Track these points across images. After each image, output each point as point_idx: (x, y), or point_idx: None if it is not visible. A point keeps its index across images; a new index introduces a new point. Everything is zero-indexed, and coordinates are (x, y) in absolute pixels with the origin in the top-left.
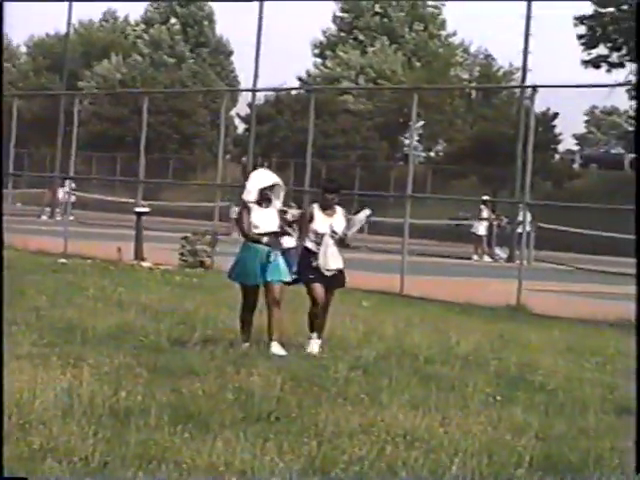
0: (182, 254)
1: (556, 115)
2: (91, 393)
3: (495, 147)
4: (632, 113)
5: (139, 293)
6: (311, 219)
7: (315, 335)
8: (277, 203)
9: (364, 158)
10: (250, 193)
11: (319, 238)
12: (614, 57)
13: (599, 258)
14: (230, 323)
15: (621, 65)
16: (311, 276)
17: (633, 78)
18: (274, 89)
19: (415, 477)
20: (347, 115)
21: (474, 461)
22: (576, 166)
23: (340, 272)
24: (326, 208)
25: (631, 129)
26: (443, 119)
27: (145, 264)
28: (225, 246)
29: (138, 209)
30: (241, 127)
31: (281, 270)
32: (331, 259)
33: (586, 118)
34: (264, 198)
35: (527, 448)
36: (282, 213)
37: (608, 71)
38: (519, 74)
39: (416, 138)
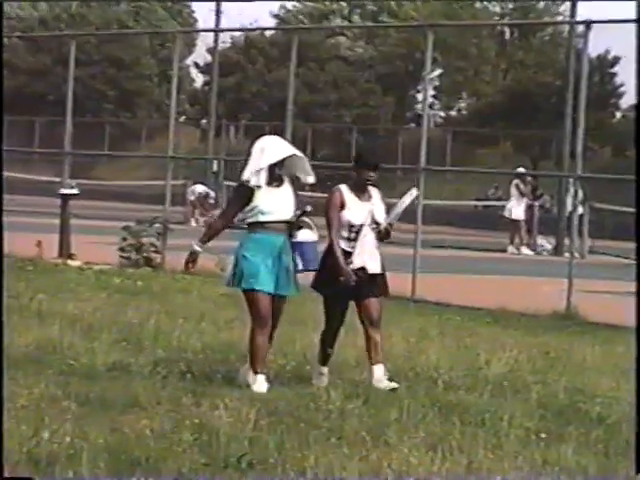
0: (122, 249)
1: (617, 60)
2: (4, 434)
3: (536, 103)
4: None
5: (65, 301)
6: (342, 207)
7: (325, 370)
8: (308, 178)
9: (363, 119)
10: (255, 172)
11: (354, 232)
12: None
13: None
14: (187, 339)
15: None
16: (335, 289)
17: None
18: (243, 29)
19: None
20: (339, 63)
21: None
22: None
23: (380, 276)
24: (361, 190)
25: None
26: (467, 66)
27: (73, 263)
28: (179, 237)
29: (64, 190)
30: (199, 80)
31: (292, 280)
32: (370, 259)
33: None
34: (273, 175)
35: None
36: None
37: None
38: (567, 6)
39: (431, 92)
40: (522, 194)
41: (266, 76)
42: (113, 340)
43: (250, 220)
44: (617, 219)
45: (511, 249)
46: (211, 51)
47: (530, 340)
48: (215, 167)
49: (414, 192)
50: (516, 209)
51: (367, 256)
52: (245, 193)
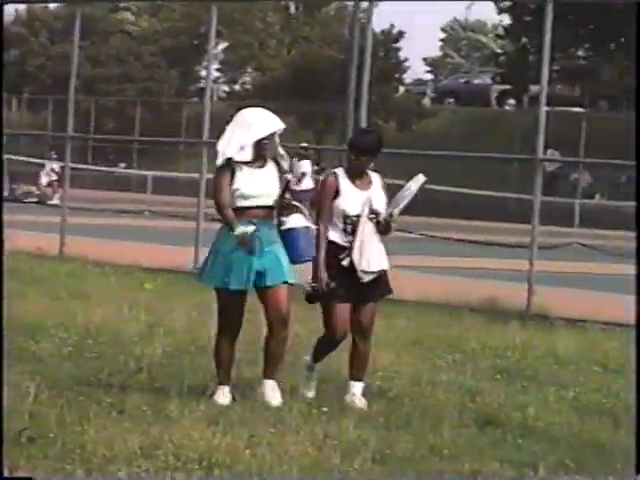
0: None
1: (401, 34)
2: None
3: (320, 77)
4: (502, 31)
5: None
6: (336, 194)
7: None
8: (285, 162)
9: (147, 93)
10: (237, 148)
11: (350, 223)
12: None
13: (459, 223)
14: None
15: None
16: (335, 289)
17: None
18: (26, 1)
19: None
20: (124, 37)
21: None
22: (427, 101)
23: (383, 273)
24: (358, 176)
25: (499, 51)
26: (252, 41)
27: None
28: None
29: None
30: None
31: (283, 266)
32: (373, 256)
33: (442, 37)
34: (258, 153)
35: (362, 473)
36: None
37: None
38: None
39: (216, 66)
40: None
41: (50, 49)
42: None
43: None
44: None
45: None
46: None
47: (314, 314)
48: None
49: (421, 178)
50: (303, 182)
51: (369, 252)
52: (229, 172)
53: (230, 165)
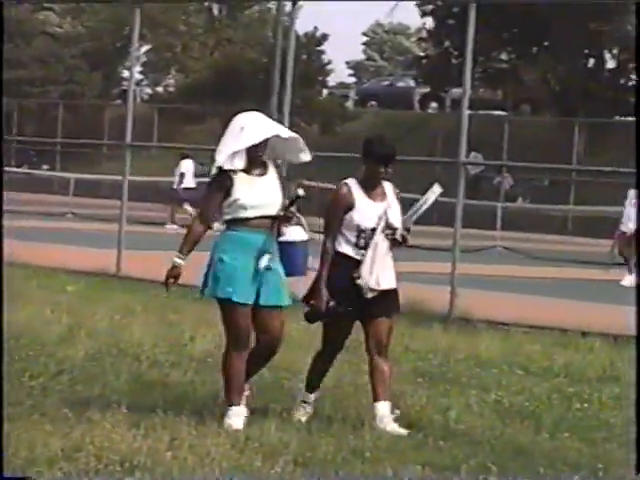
0: None
1: (325, 37)
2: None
3: (243, 80)
4: (425, 34)
5: None
6: (349, 207)
7: (312, 398)
8: (302, 156)
9: (69, 95)
10: (230, 155)
11: (364, 237)
12: None
13: None
14: None
15: None
16: (345, 306)
17: None
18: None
19: None
20: (47, 39)
21: None
22: (350, 104)
23: (392, 291)
24: (372, 186)
25: (422, 54)
26: (175, 43)
27: None
28: None
29: None
30: None
31: (280, 287)
32: (382, 273)
33: (365, 40)
34: (255, 160)
35: (283, 475)
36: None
37: None
38: None
39: (139, 68)
40: None
41: None
42: None
43: (229, 217)
44: (328, 196)
45: (217, 225)
46: None
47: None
48: None
49: (437, 189)
50: None
51: (380, 269)
52: (224, 183)
53: (226, 175)
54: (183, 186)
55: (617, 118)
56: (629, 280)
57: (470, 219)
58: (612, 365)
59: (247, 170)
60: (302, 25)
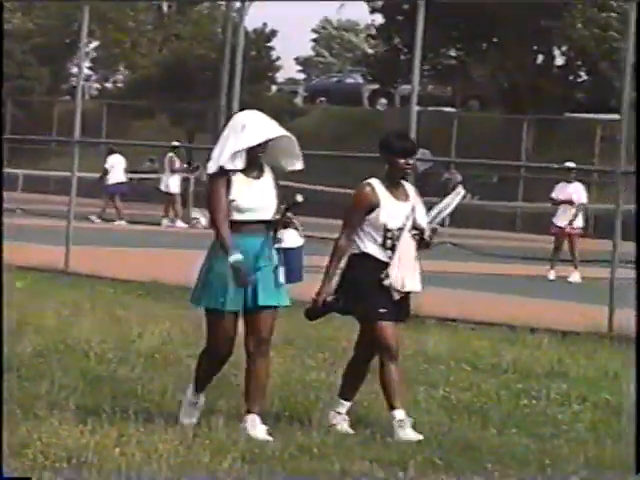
0: None
1: (274, 33)
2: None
3: (192, 75)
4: (374, 31)
5: None
6: (373, 207)
7: (347, 405)
8: (295, 164)
9: (18, 91)
10: (229, 156)
11: (391, 237)
12: None
13: (332, 222)
14: None
15: None
16: (382, 309)
17: None
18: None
19: None
20: None
21: None
22: (299, 100)
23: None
24: (395, 185)
25: (371, 51)
26: (124, 39)
27: None
28: None
29: None
30: None
31: (280, 288)
32: (408, 275)
33: (314, 37)
34: (254, 161)
35: (231, 472)
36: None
37: None
38: None
39: (87, 64)
40: (175, 168)
41: None
42: None
43: None
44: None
45: (166, 222)
46: None
47: (182, 312)
48: None
49: (461, 191)
50: (171, 182)
51: (406, 271)
52: (225, 182)
53: (225, 173)
54: (113, 181)
55: (566, 115)
56: (575, 276)
57: None
58: (560, 361)
59: (244, 171)
60: (251, 21)
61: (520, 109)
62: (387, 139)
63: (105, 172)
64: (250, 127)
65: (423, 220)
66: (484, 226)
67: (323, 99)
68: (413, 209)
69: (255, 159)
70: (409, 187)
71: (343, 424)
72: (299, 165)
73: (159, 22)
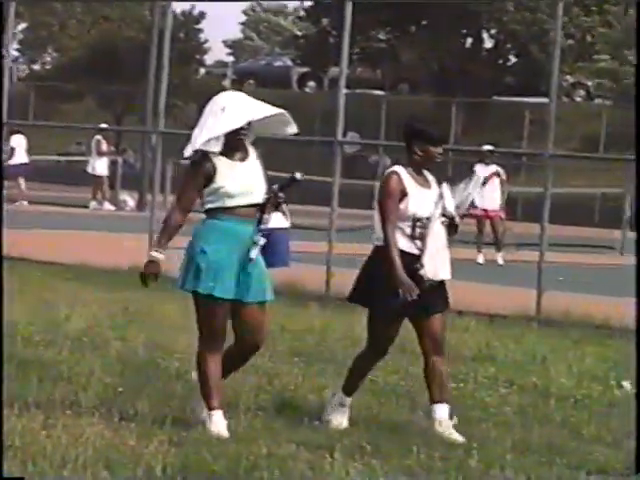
0: None
1: (203, 16)
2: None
3: (120, 58)
4: (302, 13)
5: None
6: (403, 195)
7: (348, 401)
8: (289, 129)
9: None
10: (206, 140)
11: (421, 226)
12: None
13: None
14: None
15: None
16: (399, 302)
17: None
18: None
19: None
20: None
21: (89, 473)
22: (228, 83)
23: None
24: (419, 173)
25: (299, 33)
26: (52, 21)
27: None
28: None
29: None
30: None
31: (265, 281)
32: (440, 263)
33: (243, 19)
34: (237, 144)
35: (157, 456)
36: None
37: None
38: None
39: (15, 46)
40: (103, 150)
41: None
42: None
43: (212, 205)
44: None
45: (93, 204)
46: None
47: (110, 296)
48: None
49: (481, 176)
50: (98, 165)
51: (439, 259)
52: (204, 169)
53: (208, 159)
54: (15, 162)
55: (495, 98)
56: (499, 259)
57: (346, 198)
58: (488, 345)
59: (228, 154)
60: (179, 4)
61: (449, 92)
62: (418, 127)
63: (12, 152)
64: (230, 109)
65: (451, 206)
66: None
67: (252, 82)
68: (441, 196)
69: (238, 142)
70: (429, 175)
71: (344, 415)
72: (292, 129)
73: (88, 4)
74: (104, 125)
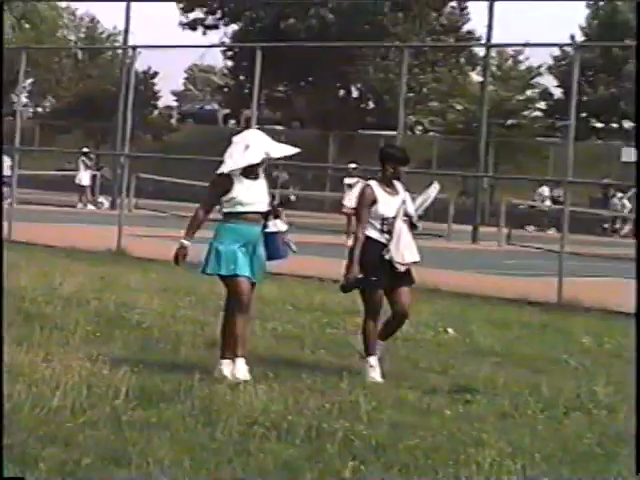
0: None
1: (156, 74)
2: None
3: (99, 103)
4: (227, 72)
5: None
6: (374, 202)
7: (374, 360)
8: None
9: None
10: (234, 165)
11: (387, 224)
12: (209, 20)
13: (192, 206)
14: None
15: (216, 27)
16: (374, 278)
17: (226, 40)
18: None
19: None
20: None
21: (74, 393)
22: (174, 121)
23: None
24: (388, 184)
25: (224, 84)
26: (51, 77)
27: None
28: None
29: None
30: None
31: (263, 269)
32: (406, 250)
33: (185, 76)
34: (252, 169)
35: (123, 381)
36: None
37: (204, 33)
38: (122, 36)
39: (25, 95)
40: (87, 166)
41: None
42: None
43: (227, 210)
44: (157, 185)
45: (80, 205)
46: None
47: (92, 269)
48: None
49: (437, 186)
50: (83, 177)
51: (405, 248)
52: (224, 184)
53: (227, 177)
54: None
55: (359, 131)
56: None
57: None
58: (354, 302)
59: (245, 175)
60: (140, 65)
61: (328, 128)
62: (390, 151)
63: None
64: (253, 147)
65: (411, 209)
66: (303, 208)
67: (190, 120)
68: (404, 201)
69: (254, 167)
70: (398, 185)
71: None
72: (287, 150)
73: (76, 66)
74: (85, 149)
